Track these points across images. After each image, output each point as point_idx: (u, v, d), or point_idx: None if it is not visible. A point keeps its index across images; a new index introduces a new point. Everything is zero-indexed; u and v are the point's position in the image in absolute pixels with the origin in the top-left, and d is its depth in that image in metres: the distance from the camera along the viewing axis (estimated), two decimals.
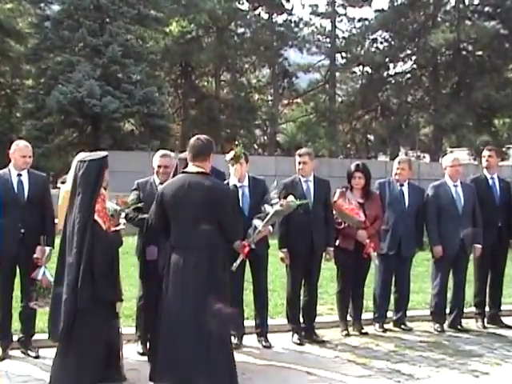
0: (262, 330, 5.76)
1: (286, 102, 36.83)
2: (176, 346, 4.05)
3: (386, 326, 6.40)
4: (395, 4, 30.37)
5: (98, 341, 4.06)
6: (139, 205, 5.07)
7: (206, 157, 4.30)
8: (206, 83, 34.93)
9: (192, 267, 4.07)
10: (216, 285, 4.12)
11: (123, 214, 4.99)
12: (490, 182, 6.62)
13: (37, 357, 5.13)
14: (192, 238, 4.11)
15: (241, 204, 5.39)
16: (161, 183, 5.29)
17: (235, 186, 5.43)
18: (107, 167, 4.28)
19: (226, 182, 5.42)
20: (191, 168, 4.29)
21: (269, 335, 5.78)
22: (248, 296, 5.90)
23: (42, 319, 5.55)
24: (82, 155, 4.52)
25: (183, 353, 4.05)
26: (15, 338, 5.30)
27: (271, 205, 5.10)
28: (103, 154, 4.29)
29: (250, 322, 5.82)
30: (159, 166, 5.39)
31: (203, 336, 4.02)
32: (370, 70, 32.76)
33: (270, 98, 36.01)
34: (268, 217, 5.01)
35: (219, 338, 4.10)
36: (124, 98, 20.54)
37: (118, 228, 4.58)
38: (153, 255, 4.77)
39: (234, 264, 4.94)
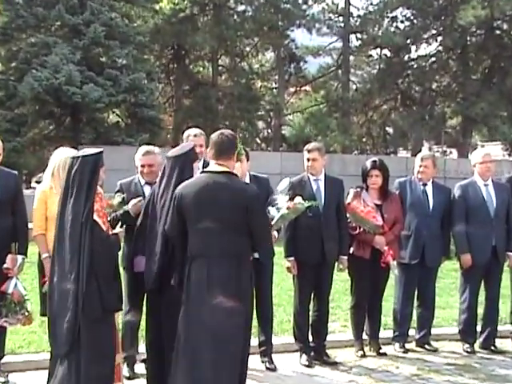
0: (266, 350, 5.77)
1: (292, 89, 36.83)
2: (196, 364, 4.07)
3: (407, 345, 6.39)
4: None
5: (104, 354, 4.14)
6: (126, 208, 5.08)
7: (230, 155, 4.35)
8: (201, 69, 34.93)
9: (217, 280, 4.11)
10: (243, 300, 4.18)
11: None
12: None
13: (6, 382, 5.10)
14: (217, 246, 4.15)
15: None
16: (147, 183, 5.30)
17: None
18: (103, 164, 4.34)
19: None
20: (214, 167, 4.31)
21: (274, 356, 5.78)
22: None
23: (12, 338, 5.54)
24: (71, 152, 4.53)
25: (203, 371, 4.05)
26: None
27: (277, 208, 5.10)
28: (98, 149, 4.35)
29: (252, 341, 5.80)
30: (142, 166, 5.38)
31: (226, 355, 4.07)
32: (388, 53, 32.75)
33: (274, 85, 36.00)
34: (273, 221, 5.01)
35: (239, 359, 4.17)
36: (108, 85, 20.53)
37: (116, 231, 4.61)
38: (141, 267, 4.76)
39: None
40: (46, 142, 23.03)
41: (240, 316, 4.14)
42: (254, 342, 5.78)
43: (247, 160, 5.46)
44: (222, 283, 4.10)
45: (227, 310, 4.07)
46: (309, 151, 5.95)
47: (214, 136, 4.39)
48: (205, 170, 4.39)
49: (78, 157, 4.20)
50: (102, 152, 4.32)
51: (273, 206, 5.12)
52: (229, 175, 4.28)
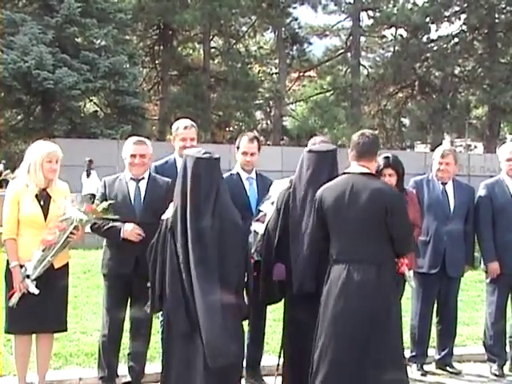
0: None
1: (295, 75, 36.86)
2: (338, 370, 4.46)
3: (426, 367, 6.39)
4: None
5: None
6: (115, 216, 5.06)
7: (372, 156, 4.77)
8: (191, 51, 34.96)
9: (357, 286, 4.47)
10: (387, 308, 4.51)
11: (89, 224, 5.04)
12: None
13: None
14: (356, 251, 4.53)
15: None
16: (132, 179, 5.30)
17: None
18: None
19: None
20: (355, 168, 4.70)
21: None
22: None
23: None
24: (192, 151, 4.64)
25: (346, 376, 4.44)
26: None
27: (272, 203, 5.20)
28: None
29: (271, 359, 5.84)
30: (133, 156, 5.34)
31: (370, 363, 4.41)
32: (405, 34, 32.79)
33: (274, 70, 36.04)
34: (267, 218, 5.13)
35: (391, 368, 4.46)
36: (84, 69, 20.54)
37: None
38: (281, 275, 4.97)
39: None
40: (12, 134, 23.01)
41: (379, 323, 4.43)
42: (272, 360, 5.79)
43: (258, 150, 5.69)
44: (361, 291, 4.45)
45: (364, 317, 4.42)
46: None
47: (355, 137, 4.79)
48: (346, 171, 4.74)
49: (208, 158, 4.50)
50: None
51: (265, 203, 5.28)
52: (370, 176, 4.69)
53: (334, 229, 4.64)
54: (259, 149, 5.73)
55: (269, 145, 31.68)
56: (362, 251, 4.51)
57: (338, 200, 4.59)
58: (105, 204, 5.07)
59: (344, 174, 4.75)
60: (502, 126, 34.13)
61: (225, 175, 5.68)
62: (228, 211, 4.50)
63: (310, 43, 35.41)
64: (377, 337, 4.43)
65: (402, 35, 33.19)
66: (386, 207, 4.51)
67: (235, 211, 4.57)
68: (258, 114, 35.94)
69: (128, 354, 5.44)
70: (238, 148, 5.72)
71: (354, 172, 4.69)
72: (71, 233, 4.92)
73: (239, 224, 4.55)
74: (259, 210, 5.32)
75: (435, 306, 6.44)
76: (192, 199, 4.41)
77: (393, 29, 33.51)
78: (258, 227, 5.15)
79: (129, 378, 5.37)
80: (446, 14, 31.79)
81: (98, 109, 24.94)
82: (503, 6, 29.97)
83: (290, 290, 4.88)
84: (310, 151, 4.99)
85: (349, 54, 33.78)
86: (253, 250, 5.10)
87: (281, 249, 4.93)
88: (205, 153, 4.56)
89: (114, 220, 5.10)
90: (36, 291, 4.87)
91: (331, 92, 34.09)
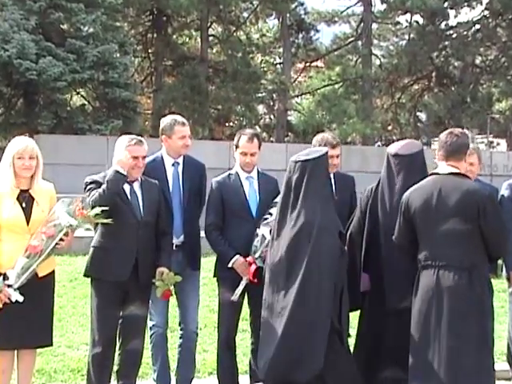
0: None
1: (300, 66, 36.87)
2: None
3: None
4: None
5: None
6: (107, 220, 5.03)
7: (461, 155, 4.93)
8: (187, 39, 34.95)
9: (447, 292, 4.63)
10: (480, 315, 4.67)
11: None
12: None
13: None
14: (446, 255, 4.68)
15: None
16: (129, 181, 5.27)
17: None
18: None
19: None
20: (443, 168, 4.87)
21: None
22: (245, 341, 5.87)
23: None
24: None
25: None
26: None
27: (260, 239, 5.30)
28: (323, 149, 4.99)
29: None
30: (136, 158, 5.31)
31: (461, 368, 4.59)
32: (421, 20, 32.78)
33: (278, 60, 36.06)
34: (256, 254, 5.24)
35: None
36: (70, 59, 20.53)
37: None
38: (367, 286, 5.15)
39: (236, 291, 5.25)
40: None
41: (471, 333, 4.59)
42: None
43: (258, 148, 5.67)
44: (452, 297, 4.61)
45: (455, 326, 4.57)
46: (333, 147, 5.94)
47: (443, 136, 4.98)
48: (434, 171, 4.94)
49: (307, 160, 4.91)
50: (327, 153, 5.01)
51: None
52: (460, 176, 4.84)
53: (422, 233, 4.78)
54: (260, 147, 5.70)
55: (272, 141, 31.73)
56: (451, 255, 4.64)
57: (426, 203, 4.75)
58: (97, 210, 5.03)
59: (432, 174, 4.92)
60: None
61: (223, 175, 5.70)
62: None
63: (318, 30, 35.45)
64: (467, 346, 4.57)
65: (417, 22, 33.18)
66: (478, 208, 4.64)
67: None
68: (261, 108, 35.95)
69: (116, 371, 5.41)
70: (236, 147, 5.71)
71: (443, 173, 4.84)
72: (60, 239, 4.89)
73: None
74: (269, 213, 5.32)
75: None
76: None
77: (408, 15, 33.49)
78: (267, 232, 5.17)
79: None
80: None
81: (86, 102, 24.93)
82: None
83: (376, 301, 5.07)
84: (396, 155, 5.19)
85: (359, 43, 33.78)
86: (257, 255, 5.19)
87: (368, 256, 5.11)
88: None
89: (107, 224, 5.08)
90: (20, 298, 4.82)
91: (340, 84, 34.08)
